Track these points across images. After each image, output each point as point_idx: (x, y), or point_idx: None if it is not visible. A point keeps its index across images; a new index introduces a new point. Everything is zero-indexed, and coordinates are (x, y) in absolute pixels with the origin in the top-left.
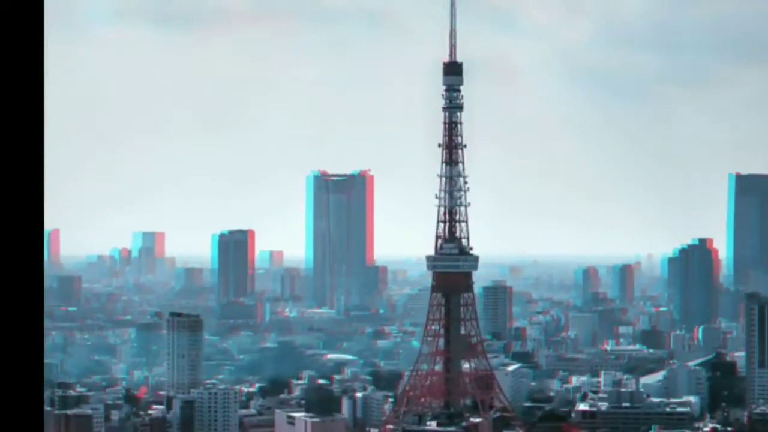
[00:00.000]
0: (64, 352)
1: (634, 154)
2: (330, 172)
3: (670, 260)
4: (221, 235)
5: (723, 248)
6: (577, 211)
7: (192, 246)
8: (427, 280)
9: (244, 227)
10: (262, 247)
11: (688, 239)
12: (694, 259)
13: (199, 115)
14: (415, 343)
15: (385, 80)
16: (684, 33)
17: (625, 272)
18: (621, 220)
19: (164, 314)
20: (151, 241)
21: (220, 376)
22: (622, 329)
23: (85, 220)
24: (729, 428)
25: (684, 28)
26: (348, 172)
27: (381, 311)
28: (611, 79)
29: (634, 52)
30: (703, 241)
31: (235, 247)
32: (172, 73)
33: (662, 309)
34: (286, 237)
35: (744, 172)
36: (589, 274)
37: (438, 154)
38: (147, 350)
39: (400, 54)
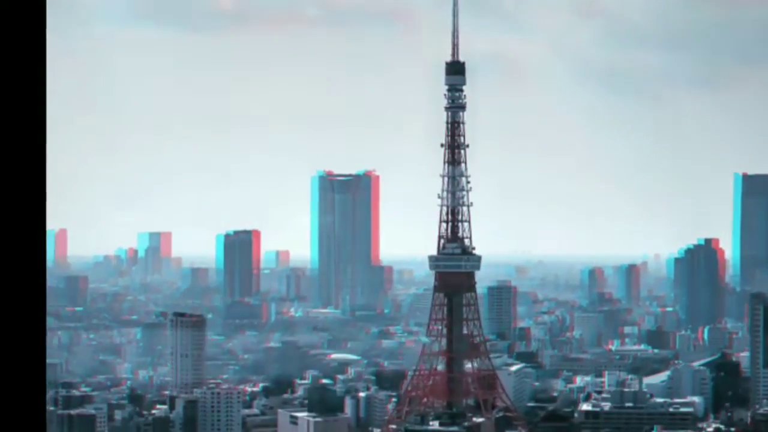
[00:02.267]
0: (69, 351)
1: (639, 154)
2: (335, 172)
3: (677, 260)
4: (226, 235)
5: (729, 248)
6: (584, 211)
7: (198, 246)
8: (431, 279)
9: (249, 227)
10: (268, 247)
11: (694, 239)
12: (700, 259)
13: (205, 114)
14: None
15: (388, 80)
16: (691, 32)
17: (631, 272)
18: (628, 219)
19: (169, 314)
20: (157, 241)
21: (225, 376)
22: (627, 329)
23: (92, 220)
24: (732, 429)
25: (691, 27)
26: (353, 172)
27: (386, 311)
28: (615, 78)
29: (638, 51)
30: (708, 242)
31: (240, 247)
32: (176, 72)
33: (668, 309)
34: (291, 237)
35: (751, 172)
36: (594, 274)
37: (440, 154)
38: (152, 350)
39: (402, 54)
